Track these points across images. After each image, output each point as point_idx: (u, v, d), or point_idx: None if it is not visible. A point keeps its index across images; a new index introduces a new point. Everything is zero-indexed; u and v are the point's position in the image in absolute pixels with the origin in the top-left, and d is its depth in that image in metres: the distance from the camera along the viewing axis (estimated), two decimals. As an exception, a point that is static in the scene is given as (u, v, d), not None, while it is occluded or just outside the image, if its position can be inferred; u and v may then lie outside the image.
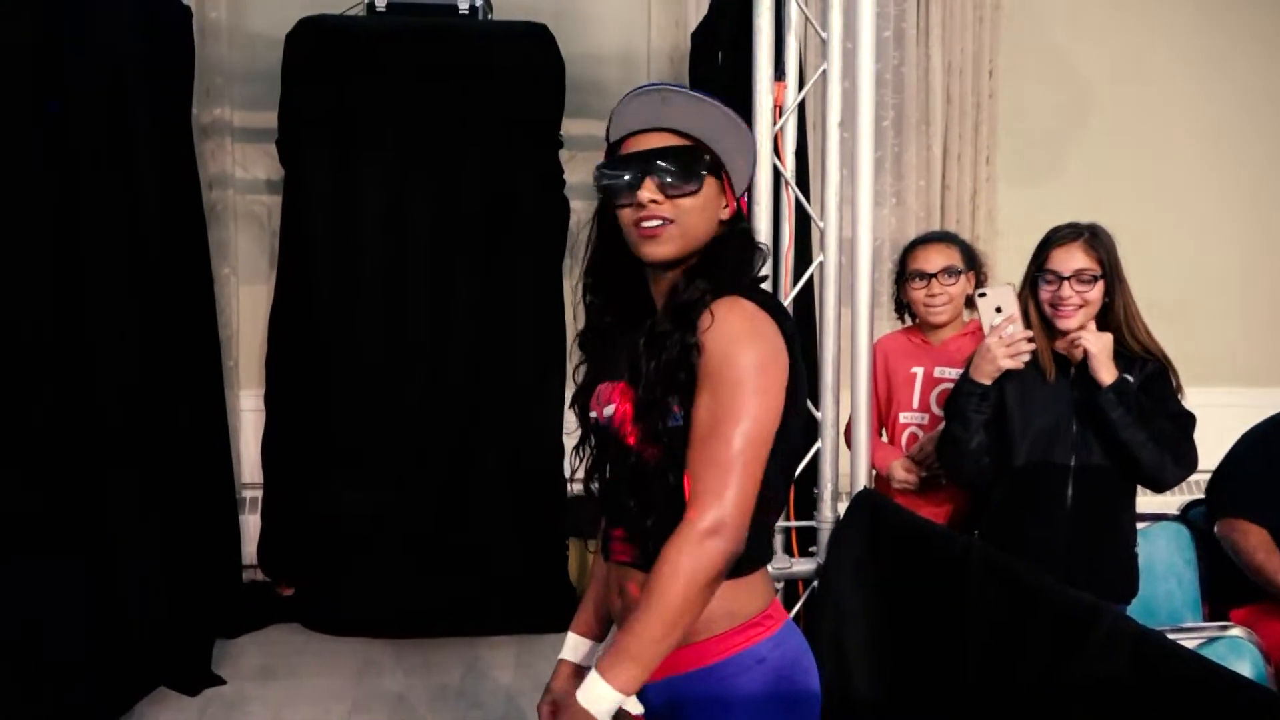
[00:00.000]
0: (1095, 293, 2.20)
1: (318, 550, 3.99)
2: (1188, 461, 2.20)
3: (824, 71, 2.59)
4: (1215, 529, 2.74)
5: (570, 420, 1.55)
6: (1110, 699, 1.47)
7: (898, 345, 2.76)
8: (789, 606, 2.67)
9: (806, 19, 2.70)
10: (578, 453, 1.51)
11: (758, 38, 2.59)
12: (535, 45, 3.94)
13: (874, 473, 2.61)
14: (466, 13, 3.95)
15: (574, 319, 1.58)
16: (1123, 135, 4.91)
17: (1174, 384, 2.25)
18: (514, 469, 3.97)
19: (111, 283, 3.17)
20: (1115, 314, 2.24)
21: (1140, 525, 2.42)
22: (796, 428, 1.41)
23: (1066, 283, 2.20)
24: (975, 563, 1.88)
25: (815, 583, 2.56)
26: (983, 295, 2.28)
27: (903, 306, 2.77)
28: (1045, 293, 2.22)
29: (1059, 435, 2.23)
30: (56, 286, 2.98)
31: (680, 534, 1.26)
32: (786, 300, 2.67)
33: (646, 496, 1.35)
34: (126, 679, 3.21)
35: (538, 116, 3.98)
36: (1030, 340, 2.23)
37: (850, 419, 2.60)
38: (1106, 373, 2.16)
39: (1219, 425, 2.65)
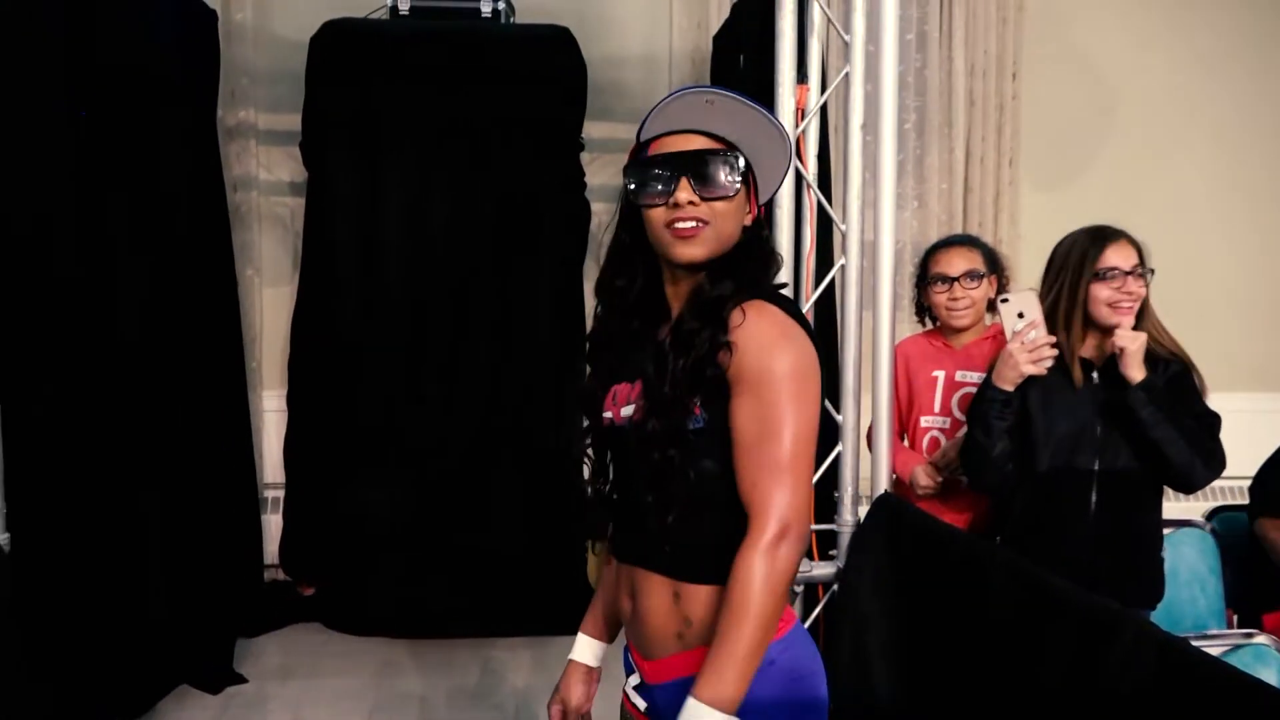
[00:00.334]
0: (1144, 289, 2.20)
1: (339, 550, 4.01)
2: (1216, 461, 2.18)
3: (846, 74, 2.58)
4: (1254, 528, 2.73)
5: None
6: (1134, 706, 1.46)
7: (919, 349, 2.75)
8: (809, 610, 2.67)
9: (829, 21, 2.70)
10: (587, 455, 1.51)
11: (780, 40, 2.59)
12: (557, 48, 3.95)
13: (894, 477, 2.60)
14: (489, 16, 3.97)
15: (594, 321, 1.58)
16: (1146, 137, 4.87)
17: (1198, 385, 2.23)
18: (534, 471, 3.98)
19: (138, 284, 3.20)
20: (1148, 313, 2.23)
21: (1165, 531, 2.40)
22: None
23: (1130, 278, 2.18)
24: (996, 568, 1.87)
25: (835, 586, 2.55)
26: (1005, 300, 2.26)
27: (924, 310, 2.76)
28: (1106, 290, 2.19)
29: (1083, 440, 2.21)
30: (85, 288, 3.01)
31: (751, 545, 1.27)
32: (808, 303, 2.67)
33: (667, 495, 1.34)
34: (149, 676, 3.24)
35: (559, 119, 3.98)
36: (1053, 345, 2.21)
37: (871, 423, 2.59)
38: (1138, 371, 2.14)
39: (1249, 431, 2.63)
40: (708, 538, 1.35)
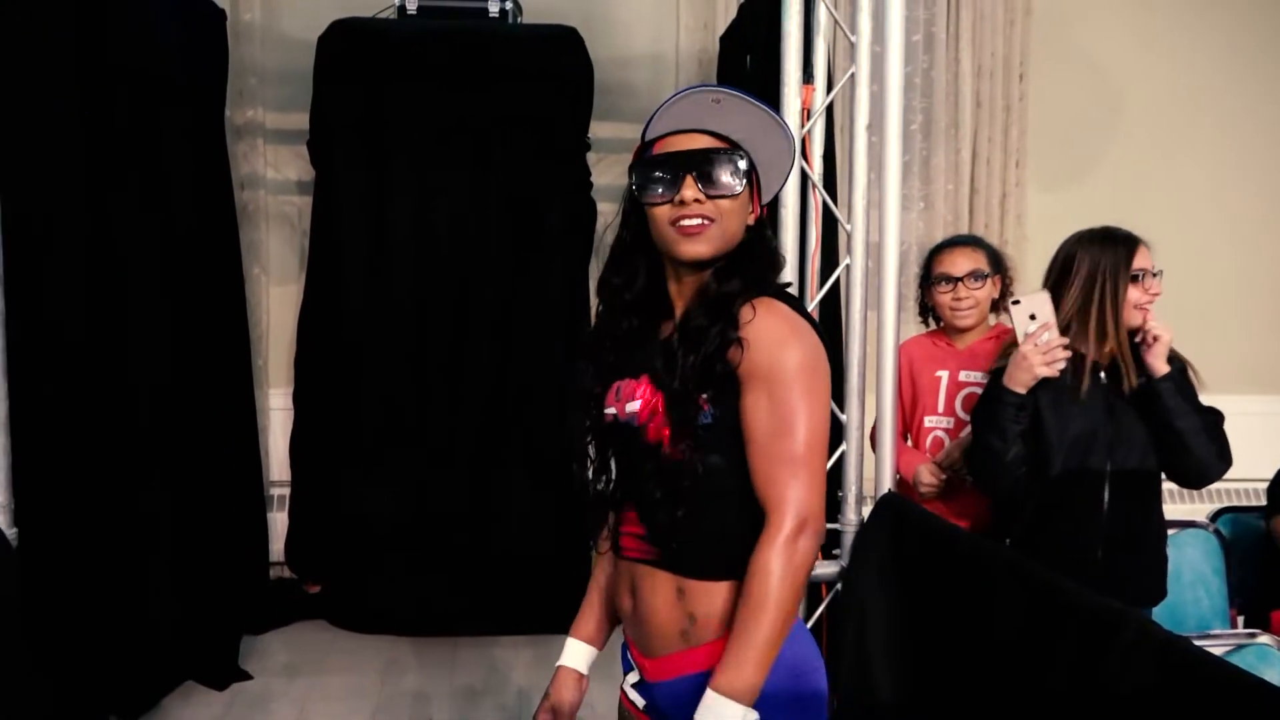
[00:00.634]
0: (1161, 288, 2.23)
1: (344, 548, 4.02)
2: (1228, 456, 2.20)
3: (852, 75, 2.59)
4: (1269, 525, 2.75)
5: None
6: (1136, 705, 1.46)
7: (922, 349, 2.75)
8: (812, 609, 2.68)
9: (835, 22, 2.70)
10: (586, 453, 1.51)
11: (786, 41, 2.59)
12: (564, 48, 3.95)
13: (898, 477, 2.60)
14: (496, 16, 3.98)
15: (596, 319, 1.59)
16: (1153, 139, 4.87)
17: (1195, 383, 2.24)
18: (538, 469, 3.99)
19: (146, 282, 3.22)
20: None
21: (1169, 532, 2.40)
22: None
23: (1157, 279, 2.21)
24: (999, 567, 1.88)
25: (838, 585, 2.56)
26: (1016, 303, 2.23)
27: (927, 310, 2.76)
28: (1136, 292, 2.19)
29: (1095, 441, 2.21)
30: (93, 285, 3.02)
31: (771, 540, 1.29)
32: (813, 303, 2.67)
33: (676, 490, 1.35)
34: (155, 672, 3.25)
35: (566, 119, 3.99)
36: (1065, 348, 2.19)
37: (875, 423, 2.59)
38: (1164, 363, 2.16)
39: (1256, 434, 2.63)
40: (714, 534, 1.37)
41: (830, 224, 2.80)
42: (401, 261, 3.95)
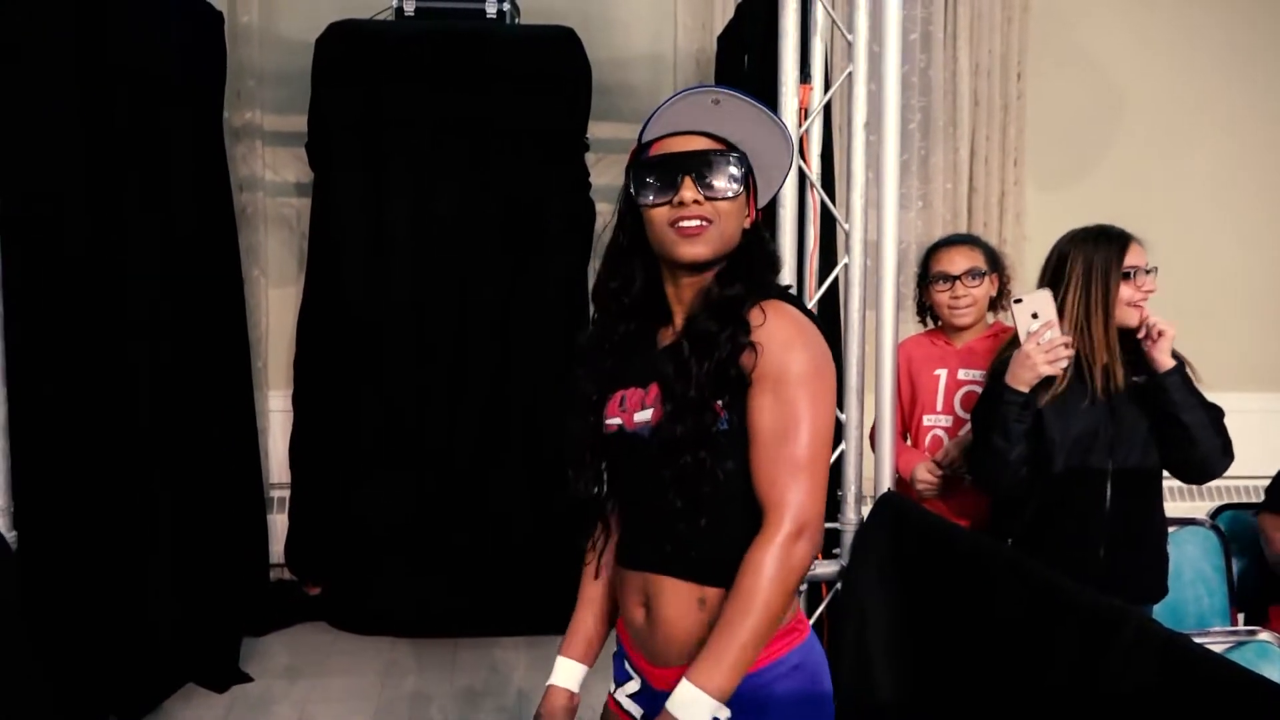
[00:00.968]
0: (1154, 285, 2.23)
1: (344, 550, 4.02)
2: (1231, 450, 2.21)
3: (850, 74, 2.59)
4: (1257, 519, 2.75)
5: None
6: (1136, 703, 1.46)
7: (921, 348, 2.75)
8: (812, 608, 2.68)
9: (833, 21, 2.70)
10: (584, 461, 1.49)
11: (783, 40, 2.59)
12: (562, 49, 3.95)
13: (897, 476, 2.60)
14: (494, 17, 3.98)
15: (591, 325, 1.58)
16: (1151, 137, 4.87)
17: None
18: (538, 470, 3.99)
19: (146, 283, 3.22)
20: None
21: (1170, 530, 2.40)
22: None
23: (1150, 276, 2.21)
24: (999, 565, 1.88)
25: (838, 585, 2.56)
26: (1018, 301, 2.23)
27: (925, 309, 2.76)
28: (1129, 290, 2.19)
29: (1096, 440, 2.21)
30: (93, 287, 3.03)
31: (767, 540, 1.29)
32: (811, 302, 2.67)
33: (697, 498, 1.34)
34: (156, 675, 3.25)
35: (564, 120, 3.99)
36: (1068, 346, 2.19)
37: (874, 422, 2.59)
38: (1169, 357, 2.17)
39: (1257, 431, 2.63)
40: (733, 540, 1.33)
41: (828, 223, 2.80)
42: (400, 262, 3.95)
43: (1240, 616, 2.89)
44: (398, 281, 3.95)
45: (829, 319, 2.92)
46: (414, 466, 3.96)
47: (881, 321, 2.53)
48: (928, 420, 2.70)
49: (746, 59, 3.38)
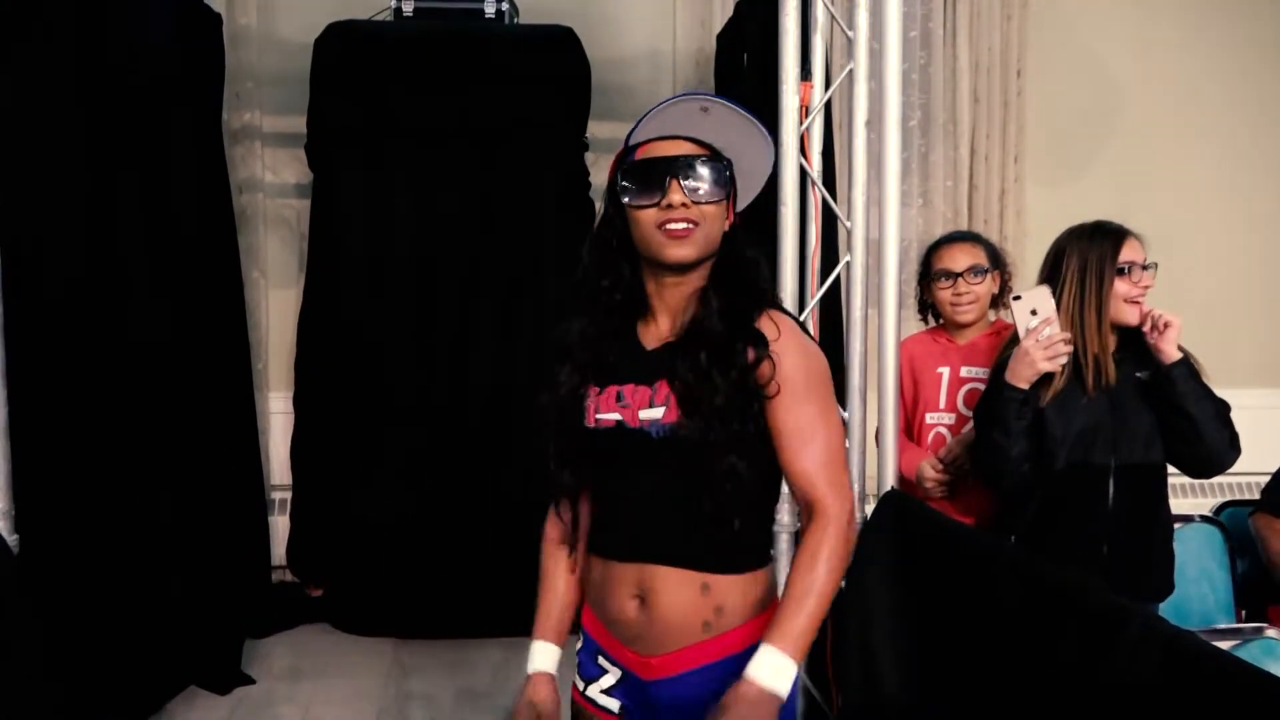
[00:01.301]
0: (1153, 280, 2.22)
1: (346, 551, 4.01)
2: (1238, 444, 2.19)
3: (850, 71, 2.59)
4: (1250, 519, 2.74)
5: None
6: (1142, 699, 1.46)
7: (923, 346, 2.74)
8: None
9: (833, 19, 2.70)
10: (566, 455, 1.53)
11: (784, 38, 2.59)
12: (561, 48, 3.95)
13: (899, 474, 2.59)
14: (492, 17, 3.97)
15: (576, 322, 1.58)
16: (1152, 134, 4.86)
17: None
18: (539, 470, 3.97)
19: (146, 285, 3.21)
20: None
21: (1174, 526, 2.40)
22: None
23: (1147, 272, 2.20)
24: (1003, 562, 1.87)
25: (842, 583, 2.55)
26: (1017, 298, 2.22)
27: (926, 307, 2.75)
28: (1124, 285, 2.19)
29: (1098, 436, 2.20)
30: (92, 289, 3.02)
31: (830, 526, 1.40)
32: (813, 300, 2.67)
33: (724, 500, 1.40)
34: (158, 677, 3.25)
35: (563, 119, 3.99)
36: (1067, 342, 2.18)
37: (879, 421, 2.59)
38: (1175, 349, 2.16)
39: (1258, 427, 2.62)
40: (740, 532, 1.43)
41: (830, 221, 2.80)
42: (399, 263, 3.95)
43: (1244, 613, 2.89)
44: (398, 282, 3.95)
45: (831, 317, 2.92)
46: (415, 467, 3.95)
47: (884, 319, 2.52)
48: (930, 418, 2.69)
49: (746, 57, 3.38)
